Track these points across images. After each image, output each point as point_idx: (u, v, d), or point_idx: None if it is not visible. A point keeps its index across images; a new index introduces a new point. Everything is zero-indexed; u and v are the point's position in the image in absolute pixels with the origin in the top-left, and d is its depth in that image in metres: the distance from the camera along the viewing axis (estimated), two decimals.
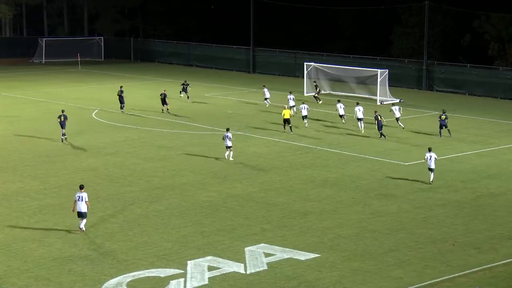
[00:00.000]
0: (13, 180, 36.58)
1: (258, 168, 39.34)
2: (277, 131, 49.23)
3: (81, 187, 28.91)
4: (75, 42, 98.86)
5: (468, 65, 71.54)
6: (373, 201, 33.34)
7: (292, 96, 55.18)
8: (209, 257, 26.16)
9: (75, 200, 28.55)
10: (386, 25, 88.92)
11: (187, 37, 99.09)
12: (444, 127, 47.58)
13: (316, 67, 69.13)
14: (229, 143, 40.89)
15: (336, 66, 69.27)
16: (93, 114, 54.58)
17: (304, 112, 50.72)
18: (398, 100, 63.09)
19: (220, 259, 26.00)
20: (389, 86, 64.32)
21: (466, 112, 58.24)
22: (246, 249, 26.98)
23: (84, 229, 28.69)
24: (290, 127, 48.47)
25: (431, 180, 36.35)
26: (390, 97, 63.54)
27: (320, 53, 78.73)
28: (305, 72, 68.58)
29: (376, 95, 63.13)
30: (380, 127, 46.88)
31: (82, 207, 28.47)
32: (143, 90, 68.52)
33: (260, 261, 25.89)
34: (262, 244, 27.50)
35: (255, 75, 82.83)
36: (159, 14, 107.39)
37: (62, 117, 45.45)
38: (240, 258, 26.08)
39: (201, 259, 25.95)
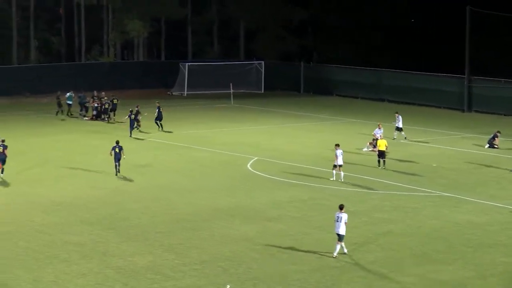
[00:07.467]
0: (143, 251, 37.38)
1: (474, 244, 38.43)
2: (500, 193, 48.05)
3: (341, 207, 36.49)
4: (227, 68, 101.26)
5: None
6: None
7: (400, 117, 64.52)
8: None
9: (335, 220, 36.20)
10: None
11: (375, 61, 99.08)
12: None
13: None
14: (341, 161, 50.49)
15: None
16: (249, 165, 55.30)
17: None
18: None
19: None
20: None
21: None
22: None
23: (345, 251, 36.27)
24: (384, 161, 54.07)
25: None
26: None
27: None
28: None
29: None
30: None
31: (340, 228, 35.90)
32: (317, 133, 68.93)
33: None
34: None
35: (471, 114, 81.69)
36: (338, 30, 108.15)
37: None
38: None
39: None
